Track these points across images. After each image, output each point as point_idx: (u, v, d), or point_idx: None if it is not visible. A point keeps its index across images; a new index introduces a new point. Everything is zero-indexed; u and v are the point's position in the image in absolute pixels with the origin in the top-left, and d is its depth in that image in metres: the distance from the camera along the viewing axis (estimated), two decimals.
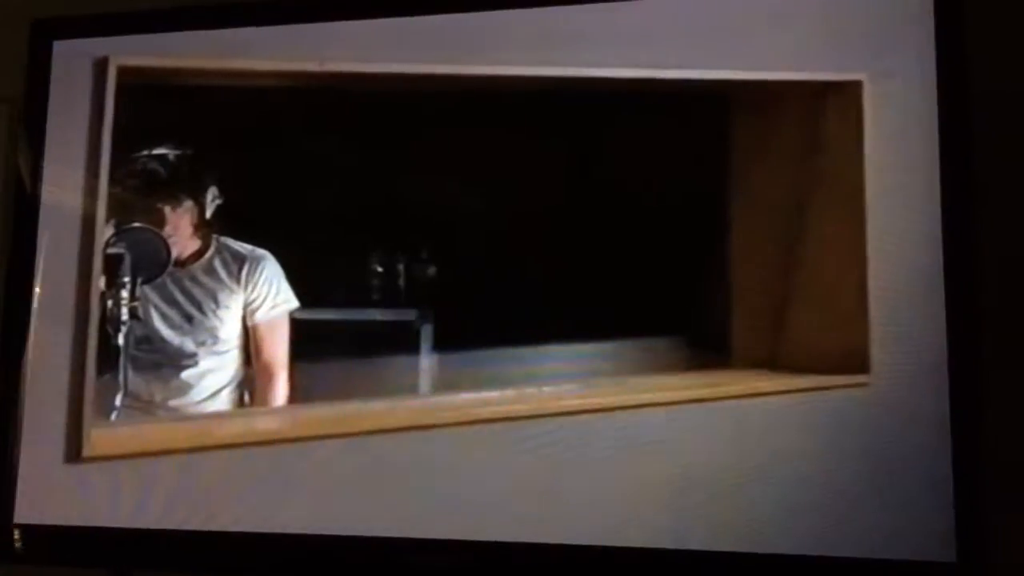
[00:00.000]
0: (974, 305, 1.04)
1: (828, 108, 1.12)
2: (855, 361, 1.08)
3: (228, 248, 1.25)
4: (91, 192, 1.25)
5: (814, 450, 1.08)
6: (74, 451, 1.21)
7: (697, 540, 1.09)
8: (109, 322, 1.23)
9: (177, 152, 1.25)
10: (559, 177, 1.20)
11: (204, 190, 1.25)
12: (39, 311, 1.25)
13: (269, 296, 1.23)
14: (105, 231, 1.24)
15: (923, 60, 1.08)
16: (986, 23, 1.10)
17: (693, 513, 1.09)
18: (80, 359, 1.22)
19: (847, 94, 1.10)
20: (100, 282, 1.23)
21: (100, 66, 1.26)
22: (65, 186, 1.26)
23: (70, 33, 1.29)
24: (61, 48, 1.29)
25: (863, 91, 1.09)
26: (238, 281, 1.24)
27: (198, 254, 1.26)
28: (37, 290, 1.25)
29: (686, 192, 1.16)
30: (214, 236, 1.25)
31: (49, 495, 1.22)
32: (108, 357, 1.22)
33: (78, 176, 1.25)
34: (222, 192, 1.25)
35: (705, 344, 1.14)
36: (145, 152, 1.25)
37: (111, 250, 1.24)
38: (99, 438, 1.21)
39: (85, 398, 1.21)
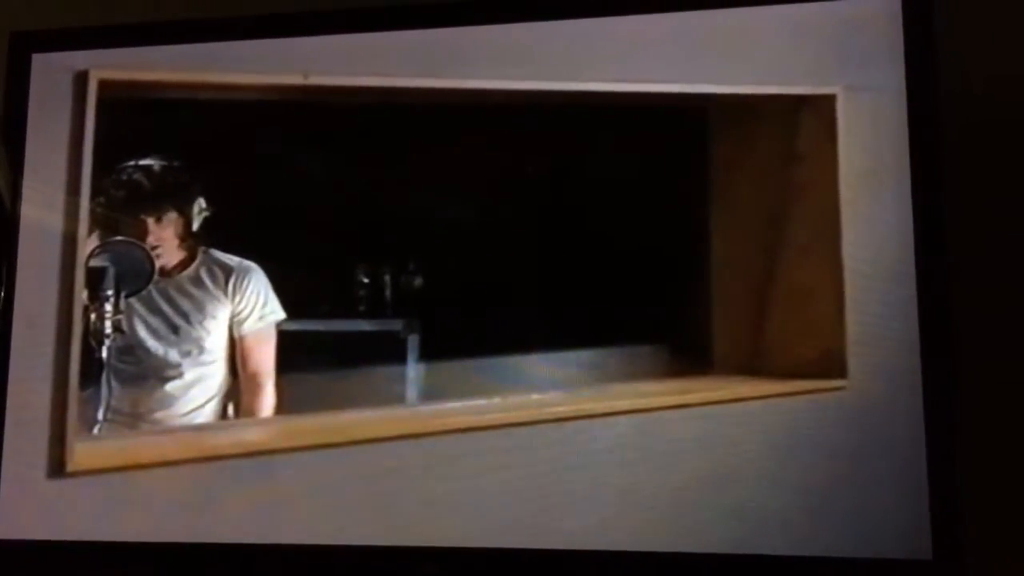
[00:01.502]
0: (947, 310, 1.08)
1: (804, 121, 1.15)
2: (832, 366, 1.11)
3: (215, 259, 1.25)
4: (72, 205, 1.24)
5: (793, 453, 1.10)
6: (57, 466, 1.20)
7: (678, 543, 1.11)
8: (92, 336, 1.22)
9: (162, 163, 1.25)
10: (542, 189, 1.22)
11: (190, 202, 1.25)
12: (21, 325, 1.23)
13: (256, 307, 1.23)
14: (88, 244, 1.23)
15: (894, 74, 1.12)
16: (954, 37, 1.14)
17: (675, 516, 1.11)
18: (63, 373, 1.21)
19: (822, 107, 1.13)
20: (83, 296, 1.22)
21: (80, 79, 1.25)
22: (45, 200, 1.25)
23: (49, 46, 1.28)
24: (40, 61, 1.28)
25: (837, 104, 1.13)
26: (225, 292, 1.24)
27: (184, 264, 1.25)
28: (17, 303, 1.24)
29: (667, 203, 1.19)
30: (201, 248, 1.25)
31: (32, 510, 1.20)
32: (91, 371, 1.22)
33: (58, 189, 1.24)
34: (209, 204, 1.25)
35: (687, 351, 1.17)
36: (129, 163, 1.25)
37: (94, 263, 1.23)
38: (83, 452, 1.20)
39: (68, 412, 1.20)
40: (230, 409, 1.25)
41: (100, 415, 1.22)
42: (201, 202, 1.24)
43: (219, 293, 1.24)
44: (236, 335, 1.24)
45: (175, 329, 1.24)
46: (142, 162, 1.25)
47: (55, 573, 1.22)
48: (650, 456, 1.12)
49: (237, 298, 1.24)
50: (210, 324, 1.24)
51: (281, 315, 1.22)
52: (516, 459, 1.15)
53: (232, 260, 1.25)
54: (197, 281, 1.25)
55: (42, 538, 1.20)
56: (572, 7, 1.20)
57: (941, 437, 1.06)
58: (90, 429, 1.22)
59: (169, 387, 1.23)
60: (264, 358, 1.23)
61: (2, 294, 1.24)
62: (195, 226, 1.25)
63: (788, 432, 1.11)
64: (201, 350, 1.24)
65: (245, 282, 1.23)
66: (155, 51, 1.27)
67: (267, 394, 1.22)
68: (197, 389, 1.24)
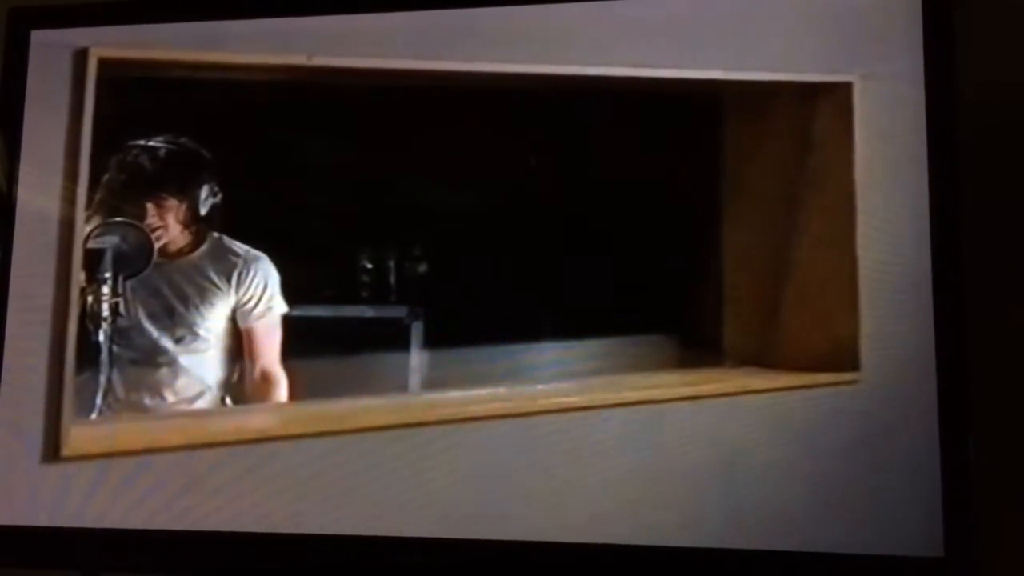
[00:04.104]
0: (962, 302, 1.06)
1: (820, 108, 1.13)
2: (845, 358, 1.09)
3: (224, 247, 1.22)
4: (70, 187, 1.21)
5: (804, 447, 1.09)
6: (51, 450, 1.18)
7: (687, 536, 1.09)
8: (89, 318, 1.20)
9: (168, 147, 1.22)
10: (551, 175, 1.20)
11: (195, 187, 1.22)
12: (17, 308, 1.21)
13: (263, 299, 1.21)
14: (86, 225, 1.21)
15: (912, 62, 1.10)
16: (974, 25, 1.12)
17: (682, 510, 1.10)
18: (58, 356, 1.19)
19: (838, 95, 1.11)
20: (80, 277, 1.20)
21: (80, 57, 1.23)
22: (43, 181, 1.23)
23: (49, 22, 1.25)
24: (39, 38, 1.26)
25: (854, 92, 1.11)
26: (228, 282, 1.22)
27: (190, 248, 1.23)
28: (13, 286, 1.22)
29: (679, 191, 1.17)
30: (211, 233, 1.23)
31: (25, 495, 1.18)
32: (88, 354, 1.19)
33: (56, 170, 1.22)
34: (218, 190, 1.22)
35: (697, 342, 1.15)
36: (133, 143, 1.22)
37: (92, 245, 1.21)
38: (78, 437, 1.18)
39: (64, 396, 1.18)
40: (228, 401, 1.23)
41: (99, 400, 1.20)
42: (209, 188, 1.22)
43: (222, 282, 1.22)
44: (242, 326, 1.22)
45: (171, 312, 1.21)
46: (149, 143, 1.22)
47: (49, 559, 1.19)
48: (658, 448, 1.11)
49: (241, 289, 1.21)
50: (207, 311, 1.22)
51: (284, 308, 1.20)
52: (520, 450, 1.13)
53: (241, 249, 1.22)
54: (200, 267, 1.22)
55: (36, 524, 1.18)
56: None
57: (954, 432, 1.05)
58: (89, 414, 1.20)
59: (160, 373, 1.21)
60: (273, 351, 1.20)
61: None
62: (203, 211, 1.22)
63: (799, 426, 1.09)
64: (195, 337, 1.22)
65: (250, 273, 1.21)
66: (157, 29, 1.24)
67: (283, 387, 1.20)
68: (191, 377, 1.21)
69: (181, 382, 1.21)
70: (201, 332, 1.22)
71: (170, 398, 1.21)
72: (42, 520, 1.18)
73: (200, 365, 1.22)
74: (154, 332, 1.21)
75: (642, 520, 1.10)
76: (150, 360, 1.21)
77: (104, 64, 1.23)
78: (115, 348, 1.21)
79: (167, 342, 1.21)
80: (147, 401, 1.21)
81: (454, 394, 1.16)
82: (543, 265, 1.18)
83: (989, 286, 1.11)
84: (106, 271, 1.20)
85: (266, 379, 1.20)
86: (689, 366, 1.15)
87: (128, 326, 1.21)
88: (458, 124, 1.21)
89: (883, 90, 1.10)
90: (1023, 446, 1.13)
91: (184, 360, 1.22)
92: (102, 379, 1.20)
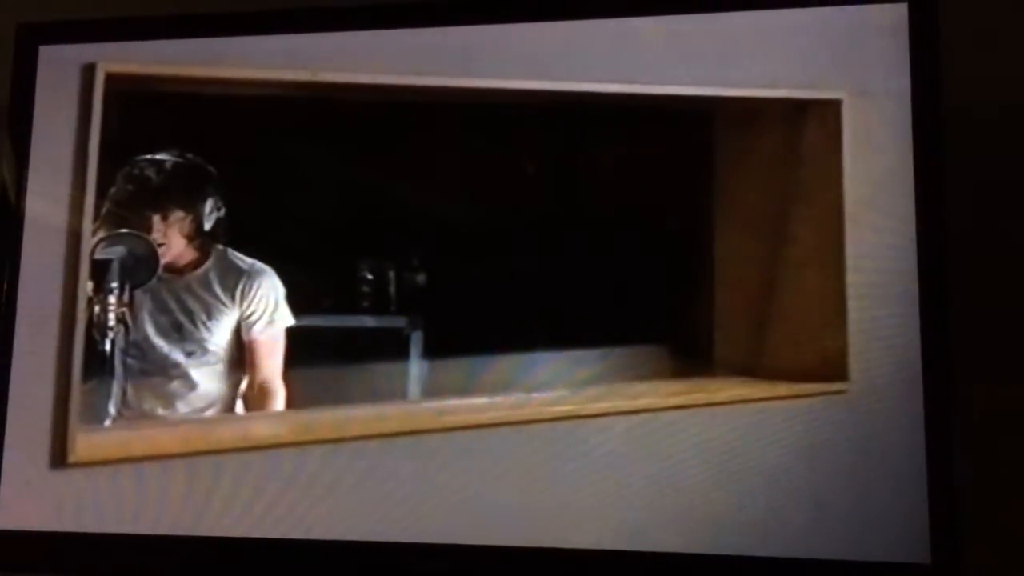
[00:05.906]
0: (948, 314, 1.08)
1: (809, 124, 1.15)
2: (834, 369, 1.11)
3: (229, 261, 1.24)
4: (77, 199, 1.24)
5: (793, 456, 1.11)
6: (59, 456, 1.20)
7: (678, 543, 1.11)
8: (96, 328, 1.22)
9: (175, 160, 1.25)
10: (547, 188, 1.22)
11: (200, 201, 1.24)
12: (24, 317, 1.24)
13: (267, 312, 1.22)
14: (93, 237, 1.23)
15: (900, 79, 1.12)
16: (960, 44, 1.14)
17: (675, 517, 1.12)
18: (66, 364, 1.21)
19: (827, 111, 1.14)
20: (88, 287, 1.22)
21: (87, 72, 1.25)
22: (51, 193, 1.25)
23: (57, 38, 1.28)
24: (47, 53, 1.28)
25: (842, 109, 1.13)
26: (233, 296, 1.23)
27: (195, 263, 1.25)
28: (22, 295, 1.24)
29: (671, 204, 1.19)
30: (216, 247, 1.25)
31: (33, 501, 1.21)
32: (95, 363, 1.22)
33: (64, 183, 1.24)
34: (222, 204, 1.24)
35: (689, 352, 1.17)
36: (144, 156, 1.24)
37: (99, 255, 1.23)
38: (86, 443, 1.20)
39: (71, 403, 1.20)
40: (238, 407, 1.25)
41: (112, 409, 1.22)
42: (214, 202, 1.24)
43: (226, 297, 1.24)
44: (246, 339, 1.24)
45: (178, 328, 1.23)
46: (156, 156, 1.24)
47: (56, 564, 1.21)
48: (649, 457, 1.13)
49: (245, 303, 1.23)
50: (214, 327, 1.24)
51: (290, 321, 1.22)
52: (517, 457, 1.15)
53: (245, 263, 1.24)
54: (206, 282, 1.24)
55: (43, 529, 1.20)
56: (578, 8, 1.20)
57: (941, 441, 1.07)
58: (100, 423, 1.22)
59: (172, 386, 1.23)
60: (275, 364, 1.22)
61: (6, 285, 1.24)
62: (207, 225, 1.24)
63: (788, 435, 1.11)
64: (204, 351, 1.24)
65: (255, 287, 1.23)
66: (164, 45, 1.27)
67: (280, 400, 1.22)
68: (201, 390, 1.23)
69: (193, 394, 1.23)
70: (211, 347, 1.24)
71: (182, 409, 1.23)
72: (49, 525, 1.20)
73: (211, 378, 1.24)
74: (164, 347, 1.23)
75: (634, 526, 1.12)
76: (162, 373, 1.23)
77: (111, 79, 1.25)
78: (128, 360, 1.23)
79: (178, 356, 1.23)
80: (160, 412, 1.23)
81: (453, 403, 1.18)
82: (540, 276, 1.20)
83: (975, 298, 1.13)
84: (113, 281, 1.22)
85: (264, 391, 1.23)
86: (680, 376, 1.17)
87: (139, 340, 1.23)
88: (457, 138, 1.24)
89: (872, 107, 1.12)
90: (1008, 454, 1.15)
91: (195, 373, 1.23)
92: (115, 388, 1.22)
